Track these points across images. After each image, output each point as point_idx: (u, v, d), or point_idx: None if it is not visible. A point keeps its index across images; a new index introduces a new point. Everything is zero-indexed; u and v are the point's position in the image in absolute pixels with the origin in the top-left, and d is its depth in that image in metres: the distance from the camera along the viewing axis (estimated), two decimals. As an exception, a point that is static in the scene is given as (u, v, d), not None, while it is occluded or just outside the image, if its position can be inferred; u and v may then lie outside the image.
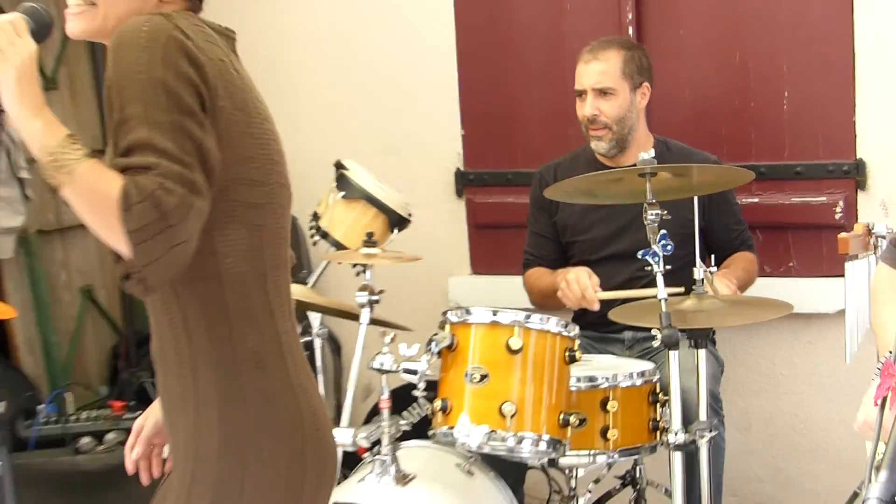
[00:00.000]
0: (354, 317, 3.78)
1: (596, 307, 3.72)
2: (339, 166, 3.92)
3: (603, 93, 3.93)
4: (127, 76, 1.93)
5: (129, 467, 2.47)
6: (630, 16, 4.43)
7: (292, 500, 2.15)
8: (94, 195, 1.89)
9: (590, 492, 3.69)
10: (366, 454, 3.55)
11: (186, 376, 2.10)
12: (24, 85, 1.94)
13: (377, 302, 3.50)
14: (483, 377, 3.23)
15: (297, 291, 3.85)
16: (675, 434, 3.25)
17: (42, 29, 2.04)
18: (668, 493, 3.69)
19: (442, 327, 3.39)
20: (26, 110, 1.93)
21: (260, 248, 2.11)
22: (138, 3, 2.09)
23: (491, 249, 4.77)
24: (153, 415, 2.45)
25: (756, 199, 4.29)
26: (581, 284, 3.73)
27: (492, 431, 3.20)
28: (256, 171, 2.09)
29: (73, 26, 2.12)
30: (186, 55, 1.95)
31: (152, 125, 1.89)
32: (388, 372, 3.36)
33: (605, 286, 3.77)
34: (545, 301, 4.00)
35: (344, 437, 3.37)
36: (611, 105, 3.93)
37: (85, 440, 4.15)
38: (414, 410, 3.66)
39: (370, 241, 3.53)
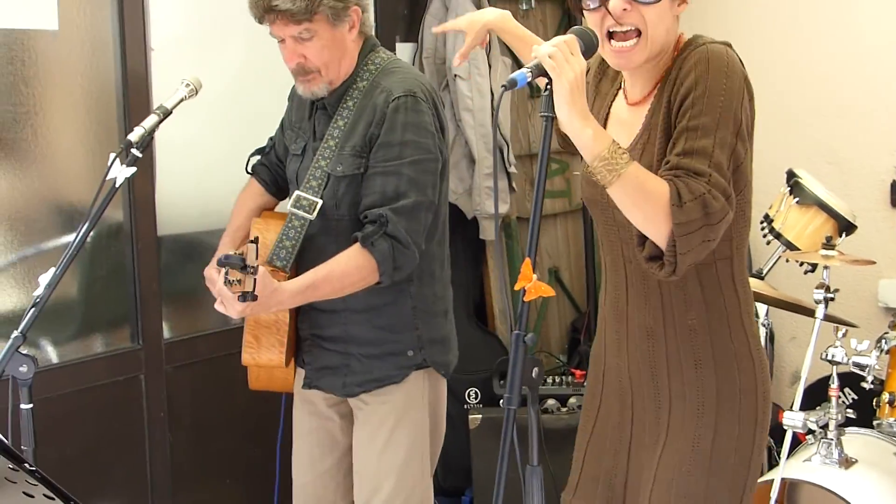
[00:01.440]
0: (798, 309, 3.70)
1: None
2: (791, 174, 3.81)
3: None
4: (711, 94, 2.04)
5: None
6: None
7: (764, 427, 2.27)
8: (643, 192, 2.00)
9: None
10: (807, 437, 3.47)
11: (697, 343, 2.21)
12: (576, 96, 1.95)
13: (832, 299, 3.39)
14: (933, 376, 3.13)
15: (754, 284, 3.78)
16: None
17: (589, 49, 2.05)
18: None
19: (893, 328, 3.29)
20: (577, 119, 1.96)
21: (745, 234, 2.23)
22: (671, 22, 2.15)
23: (923, 256, 4.58)
24: None
25: None
26: None
27: (939, 426, 3.10)
28: (750, 173, 2.18)
29: (631, 59, 2.14)
30: (747, 89, 2.08)
31: (717, 140, 2.01)
32: (838, 363, 3.33)
33: None
34: None
35: (795, 419, 3.28)
36: None
37: (550, 402, 4.14)
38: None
39: (829, 244, 3.43)
